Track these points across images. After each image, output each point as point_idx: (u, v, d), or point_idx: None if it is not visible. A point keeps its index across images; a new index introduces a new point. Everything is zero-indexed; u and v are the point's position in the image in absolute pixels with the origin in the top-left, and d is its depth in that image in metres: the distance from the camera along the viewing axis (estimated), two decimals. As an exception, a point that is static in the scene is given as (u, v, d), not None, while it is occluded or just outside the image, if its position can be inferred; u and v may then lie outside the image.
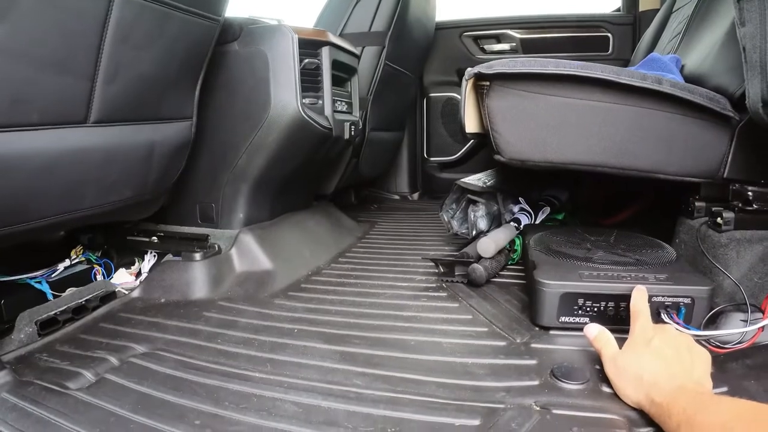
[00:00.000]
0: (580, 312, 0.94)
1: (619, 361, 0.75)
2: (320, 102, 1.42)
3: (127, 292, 1.23)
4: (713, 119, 1.04)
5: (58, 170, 0.93)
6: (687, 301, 0.91)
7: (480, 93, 1.14)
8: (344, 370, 0.85)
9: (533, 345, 0.92)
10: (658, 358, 0.71)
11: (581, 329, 0.86)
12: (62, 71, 0.85)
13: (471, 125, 1.20)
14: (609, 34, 2.48)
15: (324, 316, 1.08)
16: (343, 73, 1.60)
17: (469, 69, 1.13)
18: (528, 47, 2.55)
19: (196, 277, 1.22)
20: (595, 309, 0.94)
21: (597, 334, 0.81)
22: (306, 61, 1.33)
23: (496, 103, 1.11)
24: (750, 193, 1.02)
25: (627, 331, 0.80)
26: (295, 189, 1.60)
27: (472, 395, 0.77)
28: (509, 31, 2.56)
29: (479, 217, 1.42)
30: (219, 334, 1.00)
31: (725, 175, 1.07)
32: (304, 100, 1.33)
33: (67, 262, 1.29)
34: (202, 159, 1.36)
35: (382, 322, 1.04)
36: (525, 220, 1.44)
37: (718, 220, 1.05)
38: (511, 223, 1.40)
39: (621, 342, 0.79)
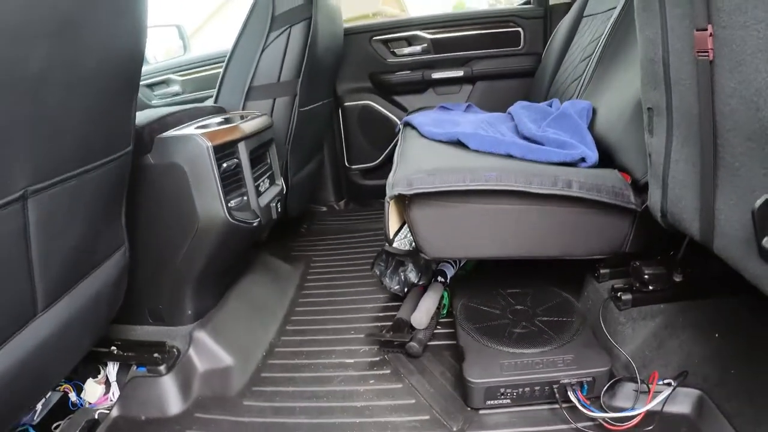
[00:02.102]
0: (502, 396, 1.13)
1: None
2: (245, 198, 1.44)
3: (106, 411, 1.30)
4: (617, 210, 1.18)
5: (25, 372, 0.94)
6: (589, 379, 1.11)
7: (401, 203, 1.25)
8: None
9: (468, 433, 1.11)
10: None
11: (504, 407, 1.12)
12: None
13: (394, 229, 1.32)
14: (520, 29, 2.52)
15: (291, 418, 1.21)
16: (260, 149, 1.61)
17: (389, 187, 1.21)
18: (439, 47, 2.57)
19: (168, 392, 1.30)
20: (514, 393, 1.13)
21: None
22: (224, 165, 1.33)
23: (418, 214, 1.22)
24: (647, 276, 1.20)
25: (541, 404, 1.10)
26: (234, 265, 1.65)
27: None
28: (419, 32, 2.57)
29: (409, 272, 1.57)
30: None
31: (627, 250, 1.24)
32: (230, 204, 1.34)
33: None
34: (141, 267, 1.35)
35: (343, 420, 1.19)
36: (450, 271, 1.60)
37: (619, 294, 1.23)
38: (438, 278, 1.55)
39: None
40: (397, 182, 1.19)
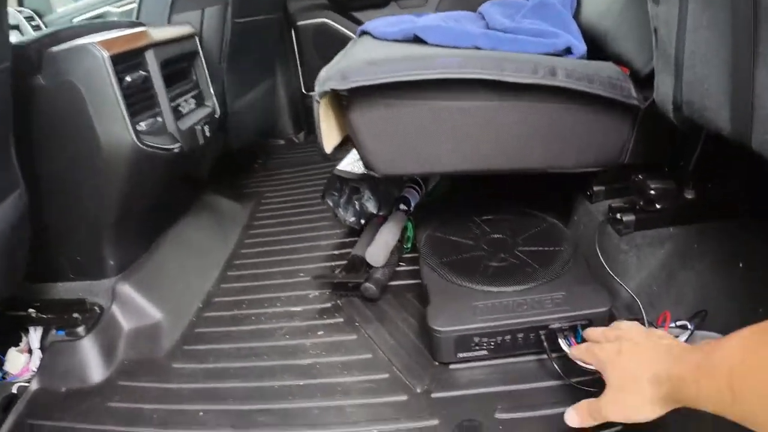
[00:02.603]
0: (477, 347, 0.91)
1: (609, 396, 0.68)
2: (160, 119, 1.23)
3: (26, 384, 1.12)
4: (614, 106, 0.96)
5: None
6: (584, 322, 0.88)
7: (339, 104, 1.01)
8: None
9: (434, 395, 0.90)
10: (639, 351, 0.66)
11: (480, 360, 0.91)
12: None
13: (331, 139, 1.07)
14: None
15: (225, 382, 1.03)
16: (181, 64, 1.39)
17: (319, 83, 0.97)
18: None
19: (89, 358, 1.12)
20: (492, 343, 0.91)
21: (578, 414, 0.73)
22: (128, 80, 1.11)
23: (360, 118, 0.98)
24: (652, 191, 0.98)
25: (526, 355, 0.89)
26: (165, 204, 1.43)
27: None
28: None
29: (365, 201, 1.33)
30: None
31: (626, 161, 1.02)
32: (139, 126, 1.13)
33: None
34: (46, 212, 1.16)
35: (284, 383, 0.99)
36: (414, 198, 1.35)
37: (618, 216, 1.00)
38: (400, 206, 1.31)
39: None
40: (329, 77, 0.95)
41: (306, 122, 2.56)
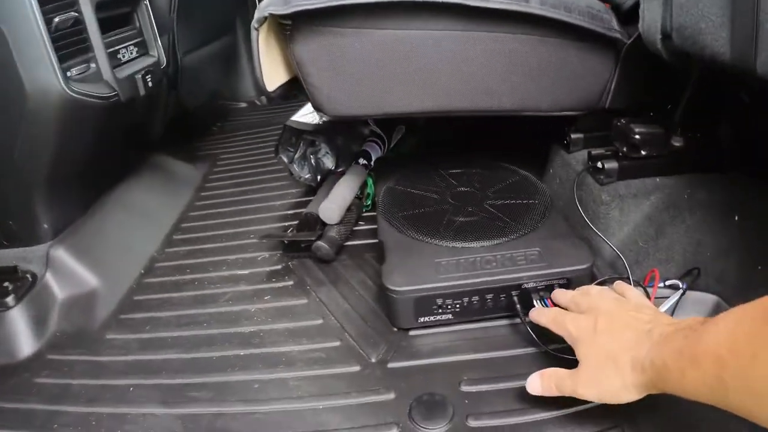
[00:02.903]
0: (440, 311, 0.80)
1: (583, 374, 0.60)
2: (94, 65, 1.10)
3: None
4: (594, 41, 0.85)
5: None
6: (562, 281, 0.78)
7: (282, 35, 0.88)
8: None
9: (390, 365, 0.78)
10: (616, 330, 0.59)
11: (444, 325, 0.81)
12: None
13: (275, 77, 0.94)
14: None
15: (160, 354, 0.92)
16: (121, 8, 1.24)
17: (260, 7, 0.84)
18: None
19: (18, 330, 1.01)
20: (457, 306, 0.79)
21: (543, 385, 0.65)
22: (57, 19, 0.99)
23: (306, 49, 0.86)
24: (637, 135, 0.86)
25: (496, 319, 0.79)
26: (106, 162, 1.30)
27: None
28: None
29: (322, 157, 1.21)
30: (53, 414, 0.82)
31: (608, 106, 0.92)
32: (70, 73, 1.01)
33: None
34: None
35: (223, 353, 0.88)
36: (376, 153, 1.23)
37: (599, 164, 0.89)
38: (360, 161, 1.19)
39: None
40: (271, 1, 0.81)
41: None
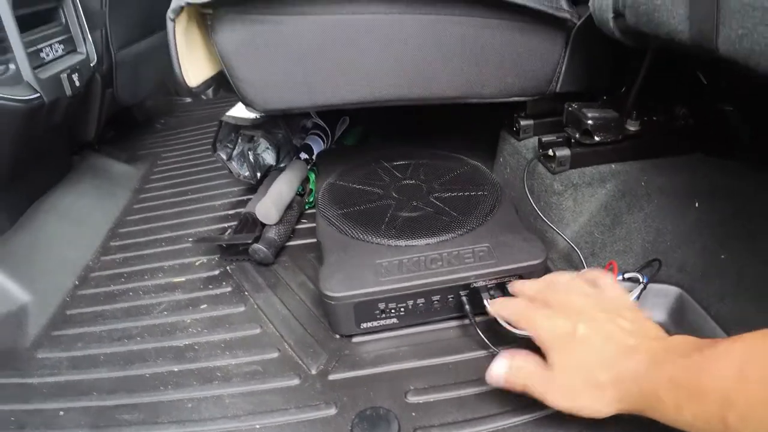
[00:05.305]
0: (383, 315, 0.74)
1: (557, 384, 0.53)
2: (13, 66, 1.02)
3: None
4: (541, 22, 0.79)
5: None
6: (514, 278, 0.72)
7: (204, 25, 0.80)
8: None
9: (331, 376, 0.72)
10: (596, 341, 0.52)
11: (389, 329, 0.75)
12: None
13: (197, 72, 0.86)
14: None
15: (92, 373, 0.84)
16: (44, 4, 1.16)
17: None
18: None
19: None
20: (402, 309, 0.74)
21: (508, 378, 0.58)
22: None
23: (229, 40, 0.78)
24: (590, 120, 0.81)
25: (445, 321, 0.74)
26: (34, 169, 1.21)
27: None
28: None
29: (261, 152, 1.13)
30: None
31: (558, 90, 0.86)
32: None
33: None
34: None
35: (156, 369, 0.81)
36: (318, 146, 1.16)
37: (550, 151, 0.84)
38: (301, 155, 1.12)
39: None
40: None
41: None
